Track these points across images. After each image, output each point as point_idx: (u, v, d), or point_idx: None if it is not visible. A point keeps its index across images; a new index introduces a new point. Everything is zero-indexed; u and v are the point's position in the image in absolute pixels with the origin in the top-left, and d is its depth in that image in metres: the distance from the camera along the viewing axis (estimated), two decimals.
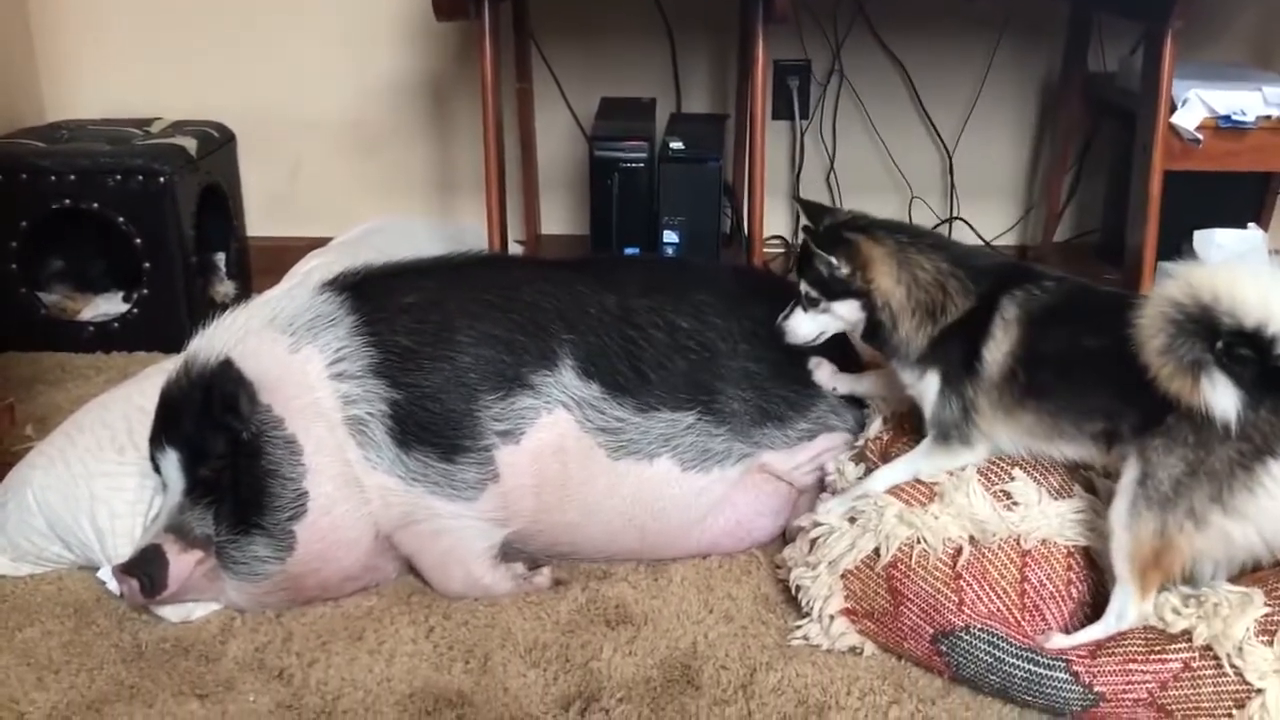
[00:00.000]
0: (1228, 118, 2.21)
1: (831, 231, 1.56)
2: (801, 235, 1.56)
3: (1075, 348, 1.46)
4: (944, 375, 1.52)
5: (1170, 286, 1.30)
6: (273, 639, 1.57)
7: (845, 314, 1.57)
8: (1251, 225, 2.48)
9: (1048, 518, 1.50)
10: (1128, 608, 1.40)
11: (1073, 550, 1.48)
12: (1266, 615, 1.34)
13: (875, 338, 1.57)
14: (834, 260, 1.53)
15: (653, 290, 1.72)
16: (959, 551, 1.47)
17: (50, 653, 1.54)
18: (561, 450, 1.62)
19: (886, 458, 1.64)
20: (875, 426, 1.71)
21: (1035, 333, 1.46)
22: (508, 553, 1.68)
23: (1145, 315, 1.31)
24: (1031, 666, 1.40)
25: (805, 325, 1.60)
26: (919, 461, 1.57)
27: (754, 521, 1.75)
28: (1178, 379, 1.29)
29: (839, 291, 1.55)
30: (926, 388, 1.54)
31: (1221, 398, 1.28)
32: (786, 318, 1.62)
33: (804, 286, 1.59)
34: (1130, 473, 1.38)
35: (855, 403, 1.76)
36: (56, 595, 1.67)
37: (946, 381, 1.52)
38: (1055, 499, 1.52)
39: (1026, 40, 2.83)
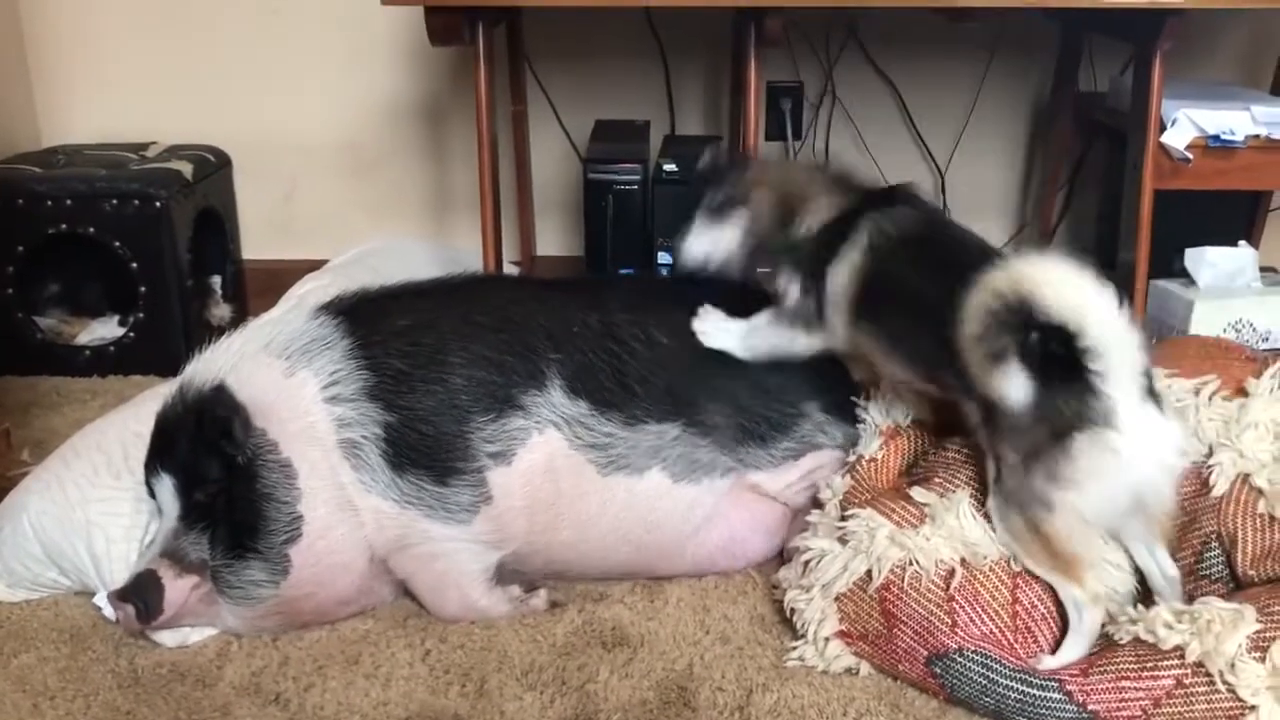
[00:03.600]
0: (1217, 137, 2.22)
1: (731, 166, 1.75)
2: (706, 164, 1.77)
3: (914, 295, 1.50)
4: (801, 278, 1.60)
5: (998, 277, 1.34)
6: (269, 663, 1.57)
7: (734, 227, 1.68)
8: (1242, 243, 2.50)
9: None
10: (1078, 603, 1.43)
11: None
12: (1258, 631, 1.34)
13: (755, 252, 1.68)
14: (729, 185, 1.68)
15: (634, 306, 1.74)
16: (951, 573, 1.47)
17: (46, 679, 1.54)
18: (552, 470, 1.63)
19: (882, 481, 1.65)
20: (873, 446, 1.69)
21: (877, 263, 1.52)
22: (504, 574, 1.68)
23: (970, 302, 1.35)
24: (1025, 688, 1.40)
25: (699, 243, 1.70)
26: (756, 334, 1.67)
27: (748, 539, 1.75)
28: (981, 366, 1.36)
29: (731, 205, 1.68)
30: (788, 284, 1.62)
31: (1014, 388, 1.35)
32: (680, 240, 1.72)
33: (703, 209, 1.70)
34: (990, 476, 1.46)
35: (846, 419, 1.75)
36: (52, 621, 1.67)
37: (804, 286, 1.60)
38: None
39: (1017, 61, 2.85)
